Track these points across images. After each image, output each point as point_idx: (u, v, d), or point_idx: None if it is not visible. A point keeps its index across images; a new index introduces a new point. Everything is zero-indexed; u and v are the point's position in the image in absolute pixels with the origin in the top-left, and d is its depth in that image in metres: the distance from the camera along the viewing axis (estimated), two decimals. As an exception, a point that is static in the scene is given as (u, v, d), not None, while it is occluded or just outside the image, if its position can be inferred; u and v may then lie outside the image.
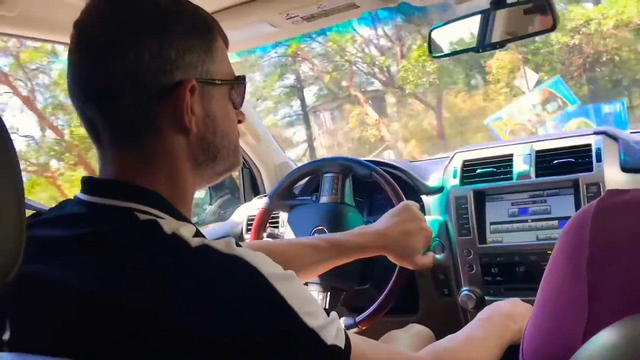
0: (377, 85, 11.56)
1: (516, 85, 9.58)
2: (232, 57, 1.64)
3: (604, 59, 9.23)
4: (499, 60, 9.69)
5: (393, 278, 1.29)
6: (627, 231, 0.52)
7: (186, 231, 0.64)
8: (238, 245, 0.65)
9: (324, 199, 1.44)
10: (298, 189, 1.64)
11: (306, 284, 1.36)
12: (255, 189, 1.96)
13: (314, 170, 1.50)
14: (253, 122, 1.76)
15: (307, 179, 1.60)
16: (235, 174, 2.02)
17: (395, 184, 1.37)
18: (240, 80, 0.78)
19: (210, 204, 2.15)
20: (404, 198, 1.31)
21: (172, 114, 0.68)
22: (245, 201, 1.98)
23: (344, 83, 11.32)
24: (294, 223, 1.50)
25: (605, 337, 0.41)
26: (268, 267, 0.63)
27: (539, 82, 8.80)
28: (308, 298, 0.66)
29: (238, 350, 0.58)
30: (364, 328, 1.31)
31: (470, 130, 10.28)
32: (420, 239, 1.17)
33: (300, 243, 1.14)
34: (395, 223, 1.16)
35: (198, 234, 0.65)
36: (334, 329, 0.65)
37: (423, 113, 11.18)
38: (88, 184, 0.71)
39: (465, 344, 0.89)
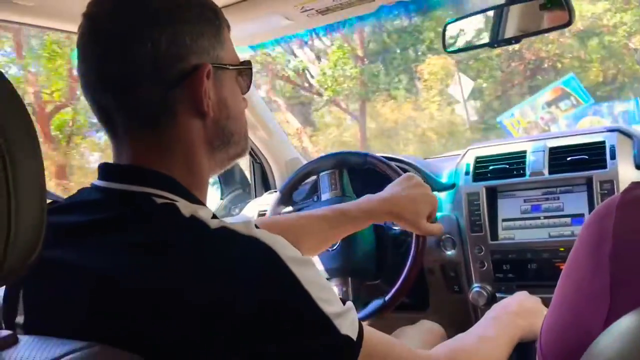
0: (302, 91, 9.95)
1: (450, 93, 8.71)
2: (246, 51, 1.64)
3: (546, 65, 8.70)
4: (430, 65, 8.72)
5: (411, 254, 1.28)
6: None
7: (204, 213, 0.65)
8: (257, 227, 0.65)
9: (325, 196, 1.44)
10: (299, 196, 1.64)
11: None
12: (266, 184, 1.96)
13: (311, 171, 1.50)
14: (265, 116, 1.76)
15: (309, 179, 1.59)
16: (246, 168, 2.03)
17: (391, 162, 1.36)
18: (248, 65, 0.80)
19: (222, 199, 2.15)
20: (402, 173, 1.31)
21: (189, 98, 0.70)
22: (256, 196, 1.98)
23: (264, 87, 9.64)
24: None
25: (626, 322, 0.41)
26: (286, 250, 0.64)
27: (474, 90, 8.39)
28: (325, 285, 0.66)
29: (253, 328, 0.59)
30: (391, 310, 1.29)
31: (399, 142, 9.20)
32: (425, 205, 1.17)
33: (309, 215, 1.14)
34: (399, 190, 1.17)
35: (215, 217, 0.66)
36: (349, 318, 0.65)
37: (346, 122, 9.91)
38: (105, 170, 0.72)
39: (478, 343, 0.89)
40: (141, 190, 0.67)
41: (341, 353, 0.64)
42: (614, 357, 0.37)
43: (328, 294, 0.65)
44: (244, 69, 0.79)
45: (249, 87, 0.80)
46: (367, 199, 1.17)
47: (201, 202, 0.72)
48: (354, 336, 0.64)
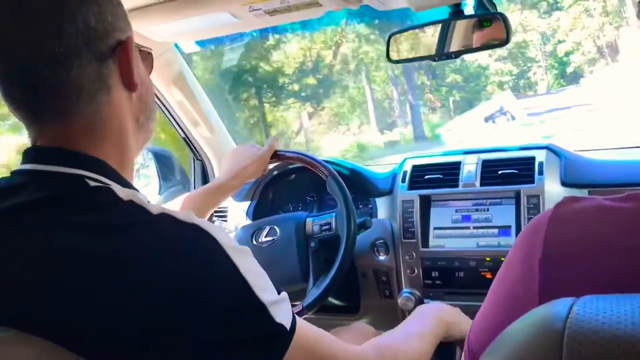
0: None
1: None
2: (193, 46, 1.63)
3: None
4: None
5: (338, 260, 1.30)
6: (577, 237, 0.55)
7: (142, 197, 0.65)
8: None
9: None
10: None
11: None
12: (205, 181, 1.95)
13: None
14: (208, 113, 1.74)
15: None
16: (187, 164, 2.01)
17: (321, 160, 1.42)
18: (151, 50, 0.84)
19: (160, 194, 2.11)
20: (333, 171, 1.37)
21: (120, 71, 0.71)
22: (194, 193, 1.96)
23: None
24: None
25: (514, 326, 0.43)
26: (226, 239, 0.65)
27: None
28: (262, 273, 0.67)
29: (189, 314, 0.59)
30: (310, 313, 1.31)
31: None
32: (243, 151, 1.41)
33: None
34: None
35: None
36: (283, 307, 0.67)
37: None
38: (30, 153, 0.70)
39: (405, 339, 0.92)
40: (72, 172, 0.66)
41: (273, 341, 0.64)
42: (511, 344, 0.39)
43: (265, 282, 0.66)
44: (149, 54, 0.82)
45: (151, 72, 0.83)
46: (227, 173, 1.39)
47: (133, 187, 0.71)
48: (288, 325, 0.66)
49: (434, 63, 1.73)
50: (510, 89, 14.96)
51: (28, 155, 0.70)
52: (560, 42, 14.94)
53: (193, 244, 0.63)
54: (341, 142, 13.19)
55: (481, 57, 15.19)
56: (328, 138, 13.51)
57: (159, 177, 1.95)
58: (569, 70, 14.76)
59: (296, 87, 12.96)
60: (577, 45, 14.32)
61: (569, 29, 14.55)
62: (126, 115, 0.74)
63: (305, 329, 0.70)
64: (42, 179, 0.66)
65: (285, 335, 0.65)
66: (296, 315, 0.69)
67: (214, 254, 0.63)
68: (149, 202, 0.66)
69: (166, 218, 0.64)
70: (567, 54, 14.53)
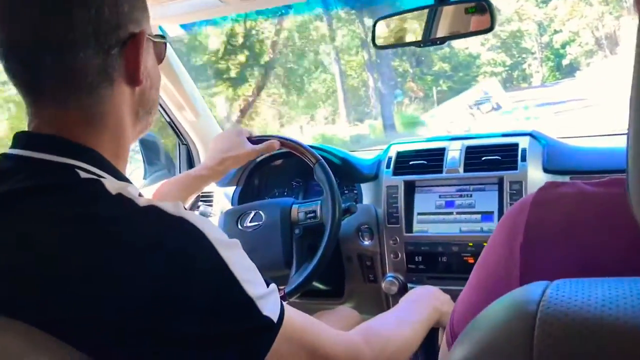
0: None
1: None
2: (178, 30, 1.62)
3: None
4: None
5: (321, 247, 1.31)
6: (559, 221, 0.56)
7: (132, 190, 0.65)
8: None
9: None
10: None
11: None
12: (190, 166, 1.95)
13: None
14: (193, 97, 1.73)
15: None
16: (172, 149, 2.00)
17: (306, 145, 1.42)
18: (164, 39, 0.82)
19: (145, 179, 2.11)
20: (319, 157, 1.37)
21: (126, 66, 0.70)
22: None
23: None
24: None
25: (490, 308, 0.44)
26: (214, 232, 0.64)
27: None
28: (250, 267, 0.67)
29: (176, 307, 0.59)
30: (292, 299, 1.32)
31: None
32: (224, 137, 1.40)
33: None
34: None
35: (141, 195, 0.66)
36: (271, 300, 0.67)
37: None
38: (22, 138, 0.69)
39: (395, 325, 0.92)
40: (63, 162, 0.65)
41: (260, 334, 0.64)
42: (484, 326, 0.40)
43: (253, 275, 0.66)
44: (163, 42, 0.81)
45: (162, 60, 0.82)
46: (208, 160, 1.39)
47: (127, 179, 0.71)
48: (275, 318, 0.66)
49: (419, 50, 1.73)
50: (503, 80, 14.38)
51: (19, 140, 0.69)
52: (556, 32, 14.35)
53: (180, 238, 0.62)
54: (306, 132, 12.87)
55: (472, 46, 14.47)
56: (290, 128, 13.15)
57: (144, 161, 1.94)
58: (565, 62, 14.23)
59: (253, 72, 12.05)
60: (574, 36, 13.75)
61: (567, 18, 13.97)
62: (126, 108, 0.73)
63: (293, 319, 0.70)
64: (32, 166, 0.65)
65: (272, 328, 0.65)
66: (285, 305, 0.69)
67: (201, 248, 0.62)
68: (139, 195, 0.65)
69: (153, 210, 0.63)
70: (563, 45, 13.99)
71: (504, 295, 0.41)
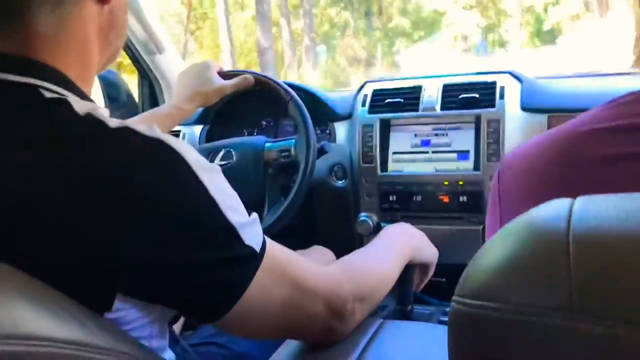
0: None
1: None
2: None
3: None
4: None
5: (295, 186, 1.27)
6: (522, 189, 0.60)
7: (102, 112, 0.59)
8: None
9: None
10: None
11: None
12: (154, 104, 1.86)
13: None
14: (156, 30, 1.63)
15: None
16: (133, 86, 1.91)
17: (280, 82, 1.36)
18: None
19: (105, 118, 2.01)
20: (293, 93, 1.32)
21: None
22: (143, 117, 1.87)
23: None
24: None
25: (499, 234, 0.41)
26: (194, 155, 0.60)
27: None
28: (232, 194, 0.64)
29: (154, 232, 0.55)
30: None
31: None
32: (194, 70, 1.31)
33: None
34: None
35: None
36: (254, 229, 0.64)
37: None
38: None
39: (372, 261, 0.91)
40: (25, 81, 0.59)
41: (242, 263, 0.62)
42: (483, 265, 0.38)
43: (235, 202, 0.63)
44: None
45: None
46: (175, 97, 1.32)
47: (92, 100, 0.65)
48: (257, 248, 0.63)
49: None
50: (477, 43, 13.27)
51: None
52: None
53: (157, 160, 0.57)
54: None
55: (439, 1, 12.68)
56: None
57: (104, 99, 1.85)
58: (546, 27, 12.79)
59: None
60: None
61: None
62: (94, 28, 0.67)
63: (275, 251, 0.67)
64: None
65: (254, 258, 0.63)
66: (266, 237, 0.66)
67: (181, 172, 0.58)
68: (109, 117, 0.60)
69: (127, 131, 0.58)
70: (544, 7, 12.57)
71: (521, 215, 0.38)
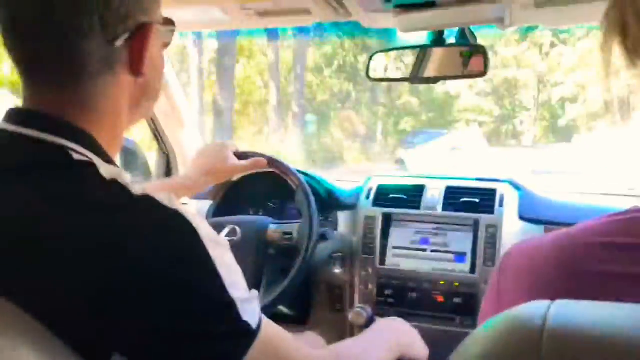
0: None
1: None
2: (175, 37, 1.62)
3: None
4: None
5: (294, 270, 1.30)
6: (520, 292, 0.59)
7: (126, 178, 0.63)
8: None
9: None
10: None
11: None
12: (168, 176, 1.92)
13: None
14: (180, 103, 1.72)
15: None
16: (150, 156, 1.98)
17: (291, 167, 1.41)
18: (174, 25, 0.80)
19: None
20: (302, 180, 1.36)
21: (132, 57, 0.68)
22: (155, 187, 1.93)
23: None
24: None
25: (484, 327, 0.45)
26: (206, 229, 0.63)
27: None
28: (236, 270, 0.66)
29: (160, 301, 0.58)
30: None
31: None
32: (212, 150, 1.35)
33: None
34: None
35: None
36: (252, 306, 0.65)
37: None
38: (14, 114, 0.67)
39: (364, 352, 0.91)
40: (55, 141, 0.63)
41: (239, 339, 0.63)
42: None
43: (238, 278, 0.65)
44: (172, 29, 0.79)
45: (169, 44, 0.81)
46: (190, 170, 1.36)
47: (117, 165, 0.69)
48: (254, 325, 0.65)
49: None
50: (489, 133, 12.33)
51: (10, 115, 0.67)
52: (557, 84, 11.77)
53: (172, 232, 0.61)
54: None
55: (453, 84, 11.86)
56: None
57: (121, 164, 1.91)
58: (562, 122, 11.99)
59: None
60: (580, 90, 11.25)
61: (573, 67, 11.28)
62: (126, 97, 0.71)
63: (271, 330, 0.69)
64: (22, 143, 0.64)
65: (250, 334, 0.64)
66: (263, 316, 0.68)
67: (192, 245, 0.61)
68: (133, 182, 0.64)
69: (148, 201, 0.61)
70: (562, 103, 11.67)
71: (505, 312, 0.42)
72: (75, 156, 0.63)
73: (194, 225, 0.62)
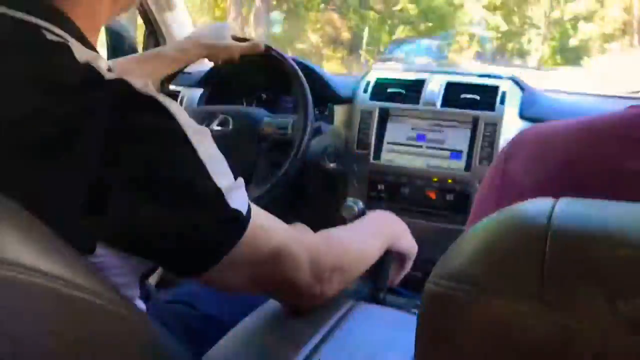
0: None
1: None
2: None
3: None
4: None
5: (286, 163, 1.28)
6: (536, 141, 0.59)
7: (102, 63, 0.58)
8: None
9: None
10: None
11: None
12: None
13: None
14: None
15: None
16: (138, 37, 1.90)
17: (289, 57, 1.36)
18: None
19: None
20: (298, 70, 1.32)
21: None
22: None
23: None
24: None
25: (482, 222, 0.42)
26: (185, 118, 0.60)
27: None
28: (220, 158, 0.64)
29: (139, 186, 0.56)
30: None
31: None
32: (221, 29, 1.31)
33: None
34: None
35: (111, 70, 0.60)
36: (239, 193, 0.64)
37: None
38: None
39: (355, 238, 0.92)
40: (28, 20, 0.59)
41: (230, 226, 0.62)
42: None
43: (222, 165, 0.63)
44: None
45: None
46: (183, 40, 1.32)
47: (96, 49, 0.65)
48: (244, 211, 0.63)
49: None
50: (495, 48, 11.56)
51: None
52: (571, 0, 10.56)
53: (147, 117, 0.58)
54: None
55: None
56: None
57: (107, 47, 1.83)
58: (573, 42, 10.86)
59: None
60: (598, 5, 10.19)
61: None
62: None
63: (260, 215, 0.68)
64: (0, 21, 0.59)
65: (240, 221, 0.63)
66: (251, 203, 0.67)
67: (169, 130, 0.58)
68: (108, 69, 0.59)
69: (122, 84, 0.57)
70: (574, 23, 10.48)
71: (505, 208, 0.39)
72: (49, 36, 0.59)
73: (171, 110, 0.58)
